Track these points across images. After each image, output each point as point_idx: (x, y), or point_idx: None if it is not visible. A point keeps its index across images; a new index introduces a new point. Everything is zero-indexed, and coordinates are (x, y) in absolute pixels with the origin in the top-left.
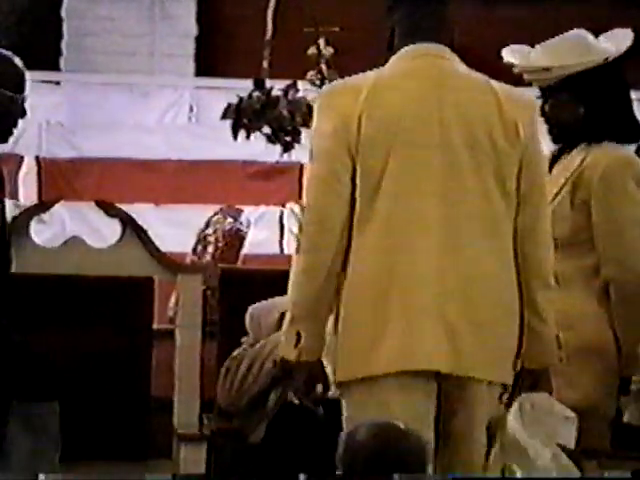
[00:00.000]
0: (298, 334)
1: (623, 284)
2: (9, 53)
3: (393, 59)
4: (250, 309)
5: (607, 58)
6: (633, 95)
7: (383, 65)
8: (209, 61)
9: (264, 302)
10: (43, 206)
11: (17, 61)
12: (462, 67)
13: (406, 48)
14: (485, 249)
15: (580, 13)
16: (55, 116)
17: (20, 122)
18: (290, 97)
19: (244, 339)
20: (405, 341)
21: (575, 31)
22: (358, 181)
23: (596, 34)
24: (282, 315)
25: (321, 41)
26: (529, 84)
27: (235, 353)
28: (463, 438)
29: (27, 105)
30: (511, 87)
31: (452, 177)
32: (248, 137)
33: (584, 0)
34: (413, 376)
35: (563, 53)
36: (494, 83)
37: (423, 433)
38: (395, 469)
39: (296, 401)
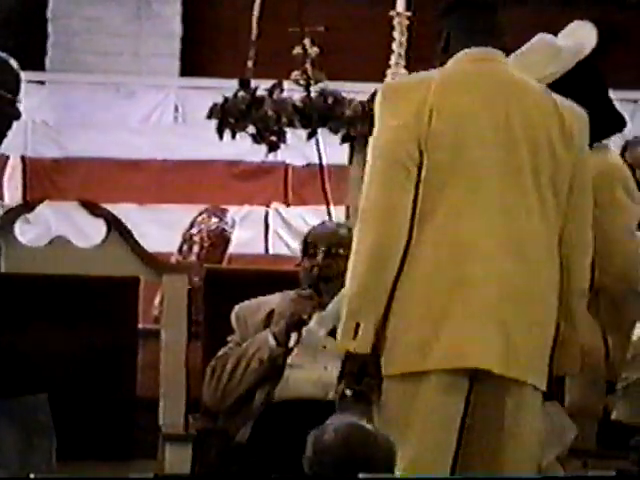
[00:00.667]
0: (357, 325)
1: (613, 292)
2: (5, 55)
3: (452, 61)
4: (236, 308)
5: (578, 60)
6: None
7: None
8: (194, 61)
9: (250, 301)
10: (28, 206)
11: (13, 63)
12: (517, 71)
13: (465, 51)
14: (542, 253)
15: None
16: (40, 116)
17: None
18: (275, 97)
19: (230, 338)
20: (461, 339)
21: (539, 37)
22: (424, 174)
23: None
24: (269, 314)
25: (306, 41)
26: None
27: (221, 352)
28: (505, 439)
29: (22, 107)
30: (562, 97)
31: (514, 180)
32: (233, 137)
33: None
34: (458, 374)
35: (533, 66)
36: (549, 91)
37: (452, 431)
38: (362, 469)
39: (348, 392)
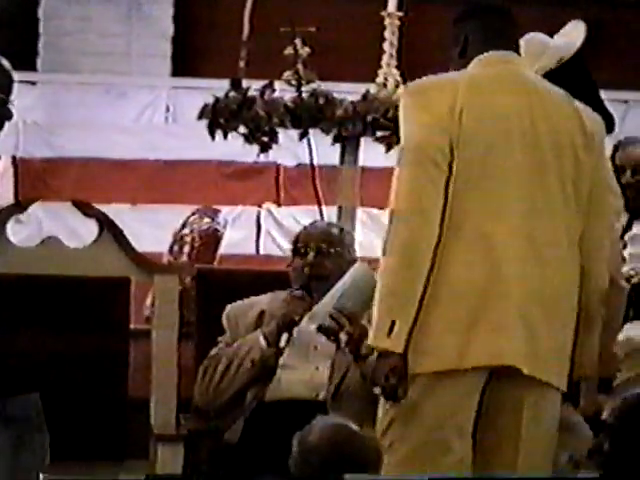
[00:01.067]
0: (392, 323)
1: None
2: None
3: (474, 64)
4: (227, 308)
5: (561, 59)
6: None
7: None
8: (186, 61)
9: (242, 301)
10: (20, 206)
11: (5, 63)
12: (533, 74)
13: (485, 54)
14: (565, 256)
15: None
16: (32, 116)
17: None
18: (267, 97)
19: (220, 338)
20: (494, 337)
21: (530, 36)
22: (454, 173)
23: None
24: (260, 314)
25: (298, 41)
26: None
27: (213, 352)
28: (523, 437)
29: (14, 107)
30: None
31: (540, 182)
32: (225, 137)
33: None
34: (482, 372)
35: None
36: (569, 95)
37: (469, 427)
38: (347, 470)
39: (377, 391)
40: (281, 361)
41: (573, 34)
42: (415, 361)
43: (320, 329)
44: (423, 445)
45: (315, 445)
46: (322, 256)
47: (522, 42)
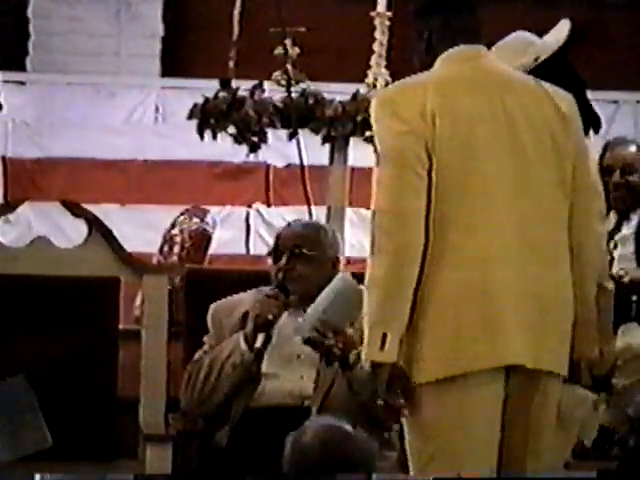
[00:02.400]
0: (384, 335)
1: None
2: None
3: (442, 61)
4: (212, 307)
5: (538, 57)
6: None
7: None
8: (175, 61)
9: (226, 300)
10: (9, 206)
11: None
12: (505, 66)
13: (453, 50)
14: (556, 246)
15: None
16: (21, 116)
17: None
18: (256, 97)
19: (205, 338)
20: (496, 338)
21: (515, 34)
22: (434, 178)
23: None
24: (244, 315)
25: (287, 41)
26: None
27: (196, 356)
28: (539, 427)
29: (2, 99)
30: (549, 84)
31: (525, 178)
32: (214, 137)
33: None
34: (497, 372)
35: (503, 60)
36: (538, 80)
37: (496, 428)
38: (340, 470)
39: (380, 402)
40: (265, 369)
41: (557, 33)
42: (417, 370)
43: (307, 342)
44: (457, 454)
45: (308, 445)
46: (295, 258)
47: (508, 38)
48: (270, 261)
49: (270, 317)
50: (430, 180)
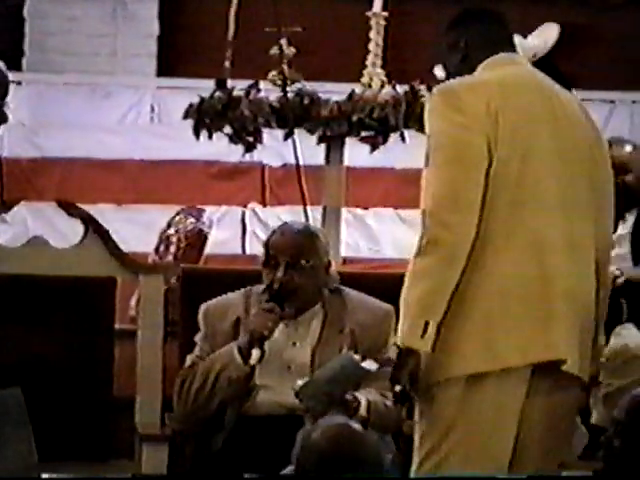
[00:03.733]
0: (426, 323)
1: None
2: None
3: (486, 66)
4: (203, 308)
5: (534, 54)
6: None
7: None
8: (171, 61)
9: (216, 301)
10: (5, 206)
11: (0, 65)
12: (543, 74)
13: (496, 57)
14: (590, 255)
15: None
16: (17, 116)
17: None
18: (252, 97)
19: (197, 338)
20: (537, 335)
21: None
22: (493, 171)
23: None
24: (236, 322)
25: (283, 41)
26: None
27: (189, 362)
28: (558, 429)
29: (9, 110)
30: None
31: (570, 183)
32: (210, 137)
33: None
34: (526, 369)
35: None
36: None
37: (515, 427)
38: (348, 468)
39: (398, 389)
40: (257, 381)
41: (545, 36)
42: (456, 364)
43: (308, 410)
44: (476, 449)
45: (317, 442)
46: (293, 270)
47: None
48: (262, 268)
49: (266, 333)
50: (488, 175)
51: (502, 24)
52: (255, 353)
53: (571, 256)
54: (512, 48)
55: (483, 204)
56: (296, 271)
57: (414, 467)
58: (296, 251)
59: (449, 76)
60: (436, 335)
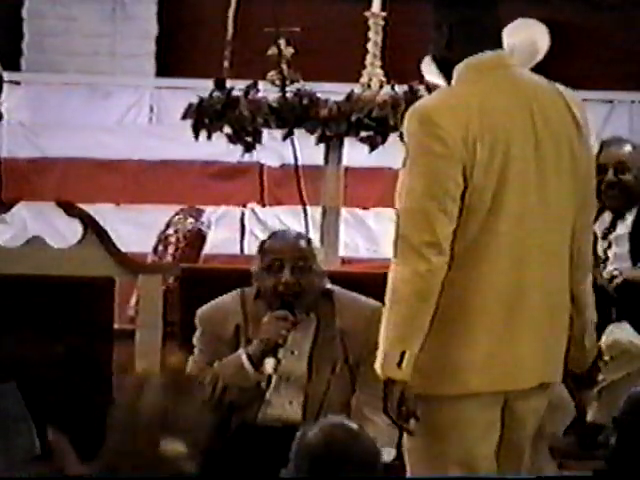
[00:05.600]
0: (403, 353)
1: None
2: None
3: (467, 70)
4: (200, 312)
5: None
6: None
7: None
8: (170, 61)
9: (214, 306)
10: (4, 206)
11: None
12: (527, 72)
13: (479, 58)
14: (564, 257)
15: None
16: (16, 116)
17: None
18: (251, 97)
19: (195, 341)
20: (516, 360)
21: None
22: (467, 199)
23: None
24: (237, 327)
25: (282, 41)
26: None
27: (193, 368)
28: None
29: (3, 108)
30: (564, 87)
31: (546, 189)
32: (209, 137)
33: None
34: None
35: None
36: (553, 84)
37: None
38: (342, 469)
39: (386, 420)
40: (269, 392)
41: (530, 34)
42: (439, 383)
43: None
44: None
45: (311, 442)
46: (298, 273)
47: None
48: (261, 273)
49: (280, 341)
50: (462, 201)
51: (492, 13)
52: (270, 362)
53: (546, 267)
54: (499, 43)
55: (457, 229)
56: (301, 273)
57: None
58: (300, 254)
59: (435, 61)
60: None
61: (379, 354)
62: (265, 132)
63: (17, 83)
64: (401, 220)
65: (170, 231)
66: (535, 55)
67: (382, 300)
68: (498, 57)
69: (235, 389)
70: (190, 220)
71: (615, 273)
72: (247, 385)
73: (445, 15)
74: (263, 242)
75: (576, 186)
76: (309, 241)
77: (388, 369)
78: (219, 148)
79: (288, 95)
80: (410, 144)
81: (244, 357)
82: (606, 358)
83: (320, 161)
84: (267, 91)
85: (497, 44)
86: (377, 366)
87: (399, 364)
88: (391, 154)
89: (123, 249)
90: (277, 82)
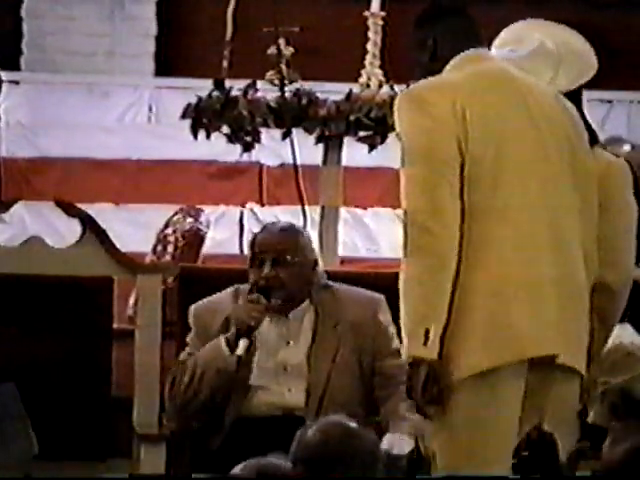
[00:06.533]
0: (427, 331)
1: (616, 286)
2: None
3: (453, 65)
4: (193, 309)
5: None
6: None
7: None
8: (169, 61)
9: (207, 301)
10: (3, 205)
11: None
12: (513, 67)
13: (463, 54)
14: (579, 251)
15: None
16: (15, 115)
17: None
18: (250, 97)
19: (189, 338)
20: (534, 328)
21: (540, 43)
22: (466, 173)
23: None
24: (226, 320)
25: (281, 41)
26: None
27: (181, 357)
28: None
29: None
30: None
31: (551, 176)
32: (208, 137)
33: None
34: (524, 364)
35: (533, 72)
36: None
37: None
38: (340, 468)
39: (412, 403)
40: (252, 382)
41: (578, 47)
42: (461, 364)
43: None
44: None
45: (310, 441)
46: (278, 266)
47: (536, 49)
48: (248, 268)
49: (252, 323)
50: (462, 175)
51: (469, 19)
52: (242, 343)
53: (559, 251)
54: (481, 44)
55: (463, 204)
56: (281, 267)
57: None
58: (281, 247)
59: (420, 76)
60: (439, 339)
61: (403, 337)
62: (264, 132)
63: (16, 83)
64: (403, 196)
65: (169, 231)
66: (587, 72)
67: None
68: (479, 53)
69: (212, 371)
70: (189, 220)
71: None
72: (222, 367)
73: (429, 30)
74: (254, 236)
75: (577, 181)
76: (296, 233)
77: (413, 348)
78: (218, 148)
79: (287, 95)
80: (402, 128)
81: (222, 340)
82: (612, 359)
83: (319, 161)
84: (266, 91)
85: (477, 44)
86: (403, 350)
87: (425, 342)
88: (390, 154)
89: (122, 249)
90: (276, 82)
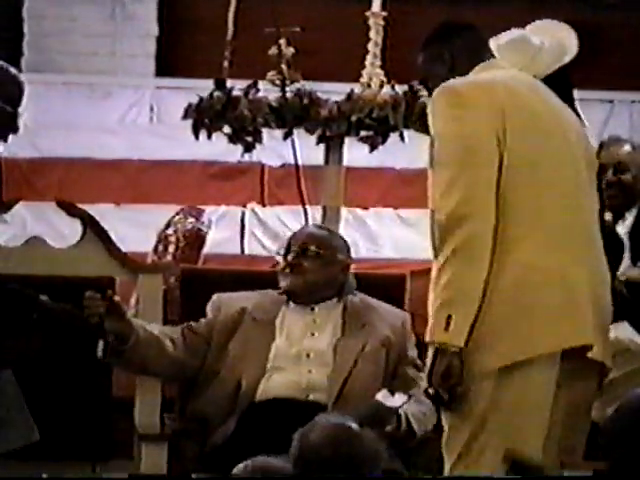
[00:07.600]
0: (449, 317)
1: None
2: (6, 65)
3: (480, 69)
4: (215, 295)
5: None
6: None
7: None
8: (170, 61)
9: (231, 294)
10: (4, 206)
11: (16, 74)
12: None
13: (482, 64)
14: (601, 246)
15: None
16: None
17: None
18: (251, 97)
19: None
20: (575, 320)
21: (520, 35)
22: (506, 168)
23: None
24: (242, 310)
25: (282, 41)
26: None
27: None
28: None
29: (22, 120)
30: None
31: (577, 173)
32: (209, 137)
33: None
34: (555, 356)
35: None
36: None
37: (548, 414)
38: (346, 469)
39: (431, 391)
40: (272, 364)
41: (560, 36)
42: (491, 356)
43: None
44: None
45: (315, 443)
46: (303, 256)
47: (515, 40)
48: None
49: (93, 321)
50: (500, 170)
51: (479, 33)
52: (100, 344)
53: (588, 244)
54: (492, 55)
55: (498, 195)
56: (306, 257)
57: (448, 465)
58: (308, 239)
59: (434, 88)
60: (470, 330)
61: (429, 322)
62: (265, 132)
63: None
64: (435, 195)
65: (170, 231)
66: (562, 56)
67: (383, 299)
68: (497, 63)
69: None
70: (190, 220)
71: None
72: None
73: (446, 44)
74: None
75: (593, 179)
76: (330, 232)
77: (434, 333)
78: (219, 148)
79: (288, 95)
80: (435, 121)
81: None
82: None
83: (320, 161)
84: (267, 91)
85: (490, 53)
86: (426, 333)
87: (446, 328)
88: (391, 154)
89: (123, 249)
90: (277, 82)
